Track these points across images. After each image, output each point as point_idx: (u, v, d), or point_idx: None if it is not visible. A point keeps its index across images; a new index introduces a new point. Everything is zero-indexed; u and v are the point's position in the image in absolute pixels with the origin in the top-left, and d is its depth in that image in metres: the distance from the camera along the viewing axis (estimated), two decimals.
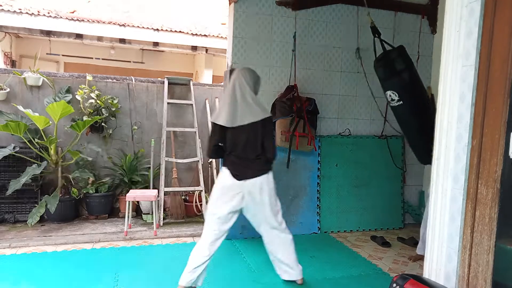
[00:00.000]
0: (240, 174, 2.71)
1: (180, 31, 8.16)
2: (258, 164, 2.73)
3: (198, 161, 4.97)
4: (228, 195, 2.73)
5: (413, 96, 3.31)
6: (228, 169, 2.74)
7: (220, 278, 3.10)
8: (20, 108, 4.29)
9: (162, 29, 8.05)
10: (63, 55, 8.83)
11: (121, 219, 4.65)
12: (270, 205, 2.79)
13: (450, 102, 1.94)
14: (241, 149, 2.71)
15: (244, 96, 2.70)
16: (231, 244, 3.90)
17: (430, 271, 2.06)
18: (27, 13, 7.09)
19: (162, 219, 4.59)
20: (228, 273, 3.22)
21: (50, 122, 4.27)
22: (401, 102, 3.30)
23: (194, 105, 5.11)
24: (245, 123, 2.67)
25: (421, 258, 3.45)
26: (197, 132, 5.03)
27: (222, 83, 4.77)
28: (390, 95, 3.36)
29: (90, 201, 4.64)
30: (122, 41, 7.95)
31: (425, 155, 3.31)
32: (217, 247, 2.75)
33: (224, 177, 2.76)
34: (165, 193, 4.80)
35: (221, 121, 2.68)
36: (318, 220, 4.37)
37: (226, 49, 4.38)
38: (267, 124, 2.75)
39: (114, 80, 5.04)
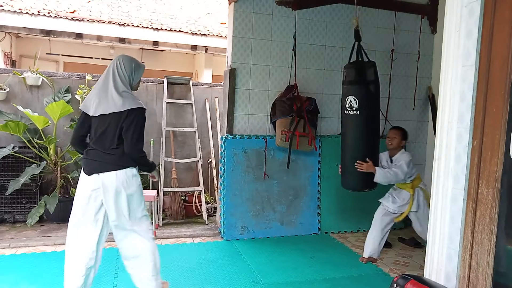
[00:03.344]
0: (89, 168, 2.41)
1: (179, 30, 8.15)
2: (110, 157, 2.39)
3: (198, 161, 4.96)
4: (85, 197, 2.43)
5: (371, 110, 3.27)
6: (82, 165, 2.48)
7: (220, 278, 3.09)
8: (20, 108, 4.28)
9: (161, 29, 8.04)
10: (62, 55, 8.82)
11: None
12: (128, 209, 2.42)
13: (451, 102, 1.93)
14: (96, 141, 2.43)
15: (114, 85, 2.42)
16: (231, 245, 3.89)
17: (430, 272, 2.05)
18: (27, 13, 7.09)
19: (161, 219, 4.59)
20: (228, 273, 3.21)
21: (50, 122, 4.27)
22: (358, 112, 3.21)
23: (193, 105, 5.10)
24: (107, 113, 2.38)
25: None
26: (196, 132, 5.02)
27: (222, 83, 4.76)
28: (350, 101, 3.25)
29: None
30: (122, 40, 7.94)
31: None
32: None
33: (80, 178, 2.49)
34: (165, 194, 4.79)
35: (85, 109, 2.46)
36: (318, 220, 4.36)
37: (226, 49, 4.38)
38: (132, 115, 2.39)
39: None
